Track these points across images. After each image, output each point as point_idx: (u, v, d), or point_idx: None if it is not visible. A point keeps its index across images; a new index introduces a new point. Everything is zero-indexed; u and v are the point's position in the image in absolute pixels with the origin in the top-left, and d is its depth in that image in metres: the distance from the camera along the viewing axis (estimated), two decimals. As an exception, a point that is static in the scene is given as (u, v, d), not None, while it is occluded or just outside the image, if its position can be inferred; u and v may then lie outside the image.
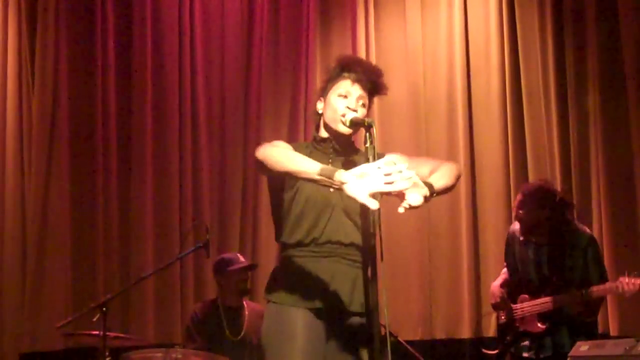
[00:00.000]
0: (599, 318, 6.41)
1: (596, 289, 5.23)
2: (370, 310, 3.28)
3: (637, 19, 6.76)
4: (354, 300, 3.38)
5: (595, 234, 6.51)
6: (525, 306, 5.54)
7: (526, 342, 5.52)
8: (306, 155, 3.48)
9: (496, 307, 5.79)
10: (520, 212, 5.53)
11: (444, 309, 7.44)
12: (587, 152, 6.88)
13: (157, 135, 7.66)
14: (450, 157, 7.47)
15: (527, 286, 5.58)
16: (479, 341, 6.62)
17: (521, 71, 7.30)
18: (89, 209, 7.31)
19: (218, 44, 8.04)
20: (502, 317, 5.73)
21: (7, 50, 7.31)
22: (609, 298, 6.46)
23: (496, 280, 5.87)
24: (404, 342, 5.97)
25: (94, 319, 5.48)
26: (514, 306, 5.61)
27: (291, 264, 3.45)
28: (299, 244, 3.43)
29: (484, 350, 6.00)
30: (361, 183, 2.98)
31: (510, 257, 5.72)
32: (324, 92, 3.60)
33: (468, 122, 7.53)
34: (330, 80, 3.59)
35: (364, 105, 3.53)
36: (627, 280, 5.12)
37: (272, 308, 3.46)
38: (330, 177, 3.06)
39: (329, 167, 3.14)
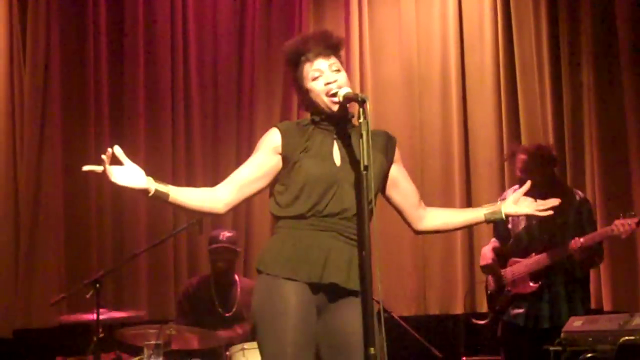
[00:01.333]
0: (592, 294, 6.45)
1: (590, 236, 5.21)
2: (365, 286, 3.25)
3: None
4: (351, 278, 3.35)
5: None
6: (516, 268, 5.49)
7: (521, 310, 5.46)
8: (309, 132, 3.50)
9: (486, 269, 5.70)
10: (523, 173, 5.45)
11: (437, 285, 7.46)
12: (580, 126, 6.88)
13: (150, 112, 7.65)
14: (444, 132, 7.50)
15: (517, 249, 5.54)
16: (472, 316, 6.62)
17: (515, 46, 7.29)
18: (81, 185, 7.29)
19: (210, 22, 8.01)
20: (491, 285, 5.70)
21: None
22: (602, 274, 6.48)
23: (486, 246, 5.81)
24: (397, 318, 5.97)
25: (88, 296, 5.49)
26: (503, 270, 5.57)
27: (288, 236, 3.40)
28: (300, 217, 3.38)
29: (474, 321, 5.99)
30: None
31: (501, 226, 5.67)
32: (299, 83, 3.54)
33: (462, 98, 7.52)
34: (296, 68, 3.54)
35: (337, 70, 3.49)
36: (621, 221, 5.10)
37: (265, 280, 3.39)
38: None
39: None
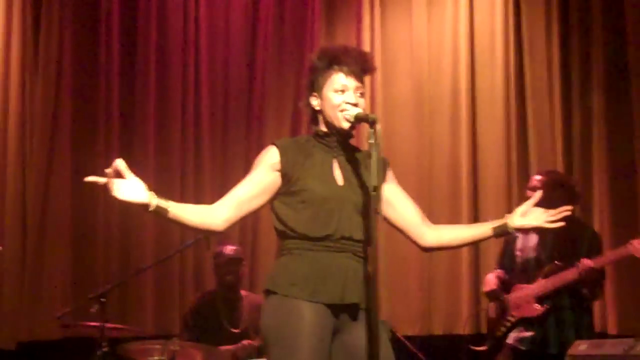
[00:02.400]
0: (597, 317, 6.44)
1: (600, 259, 5.20)
2: (370, 306, 3.23)
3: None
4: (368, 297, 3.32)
5: (597, 229, 6.52)
6: (521, 293, 5.45)
7: (527, 334, 5.42)
8: (309, 150, 3.49)
9: (490, 294, 5.68)
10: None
11: (442, 305, 7.43)
12: (589, 151, 6.88)
13: (160, 127, 7.66)
14: (453, 153, 7.48)
15: (523, 275, 5.51)
16: (476, 337, 6.59)
17: (525, 68, 7.29)
18: (90, 199, 7.29)
19: (222, 36, 8.02)
20: (493, 311, 5.66)
21: (10, 33, 7.31)
22: (607, 297, 6.46)
23: (490, 274, 5.80)
24: (402, 338, 5.95)
25: (93, 310, 5.48)
26: (506, 296, 5.54)
27: (302, 257, 3.36)
28: (312, 238, 3.36)
29: (472, 347, 5.94)
30: None
31: (506, 257, 5.66)
32: (316, 87, 3.51)
33: (471, 119, 7.51)
34: (320, 74, 3.50)
35: (362, 95, 3.47)
36: (637, 241, 5.07)
37: (277, 300, 3.34)
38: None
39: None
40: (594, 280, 5.26)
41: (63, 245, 7.19)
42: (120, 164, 3.19)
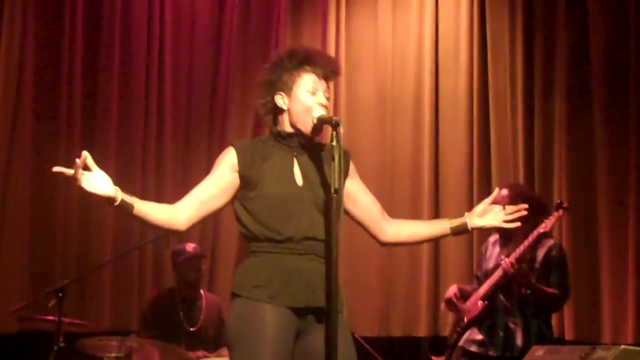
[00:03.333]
0: (555, 322, 6.47)
1: (519, 249, 5.24)
2: (329, 307, 3.22)
3: (605, 27, 6.80)
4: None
5: (555, 236, 6.55)
6: (472, 298, 5.48)
7: (478, 337, 5.44)
8: (268, 150, 3.48)
9: (447, 304, 5.68)
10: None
11: (401, 306, 7.45)
12: (550, 158, 6.92)
13: (122, 124, 7.60)
14: (415, 156, 7.51)
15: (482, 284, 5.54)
16: (435, 340, 6.62)
17: (489, 74, 7.33)
18: (49, 192, 7.24)
19: (187, 33, 7.99)
20: (451, 321, 5.71)
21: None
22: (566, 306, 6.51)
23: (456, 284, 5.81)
24: (360, 339, 5.96)
25: (50, 304, 5.45)
26: (462, 307, 5.56)
27: (266, 259, 3.36)
28: (274, 240, 3.36)
29: (433, 357, 5.96)
30: None
31: (482, 270, 5.66)
32: (281, 86, 3.49)
33: (434, 122, 7.54)
34: (288, 73, 3.48)
35: (328, 98, 3.50)
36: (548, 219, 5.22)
37: (242, 304, 3.33)
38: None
39: None
40: (525, 277, 5.25)
41: (21, 239, 7.13)
42: (87, 156, 3.16)
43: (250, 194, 3.41)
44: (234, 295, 3.39)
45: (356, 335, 5.85)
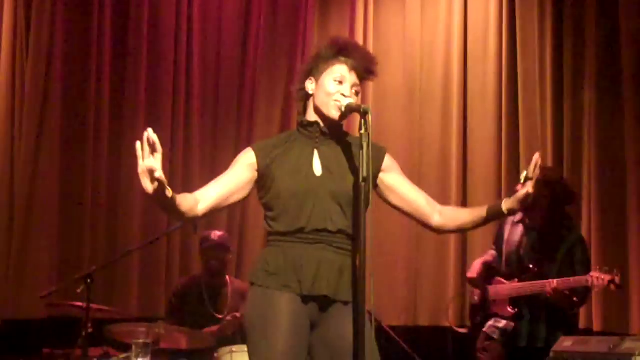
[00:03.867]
0: (582, 313, 6.44)
1: (564, 280, 5.17)
2: (357, 298, 3.26)
3: (637, 16, 6.74)
4: (340, 289, 3.37)
5: (584, 228, 6.53)
6: (499, 289, 5.49)
7: (502, 324, 5.46)
8: (289, 145, 3.52)
9: (472, 282, 5.70)
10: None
11: (428, 296, 7.44)
12: (580, 146, 6.87)
13: (150, 112, 7.66)
14: (444, 146, 7.48)
15: (506, 269, 5.54)
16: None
17: (518, 62, 7.27)
18: (78, 180, 7.32)
19: (215, 28, 8.04)
20: (475, 298, 5.69)
21: (2, 19, 7.27)
22: (593, 294, 6.46)
23: (479, 258, 5.83)
24: (387, 328, 5.97)
25: (78, 290, 5.49)
26: (488, 287, 5.57)
27: (278, 250, 3.42)
28: (286, 234, 3.41)
29: (454, 328, 5.98)
30: None
31: (500, 241, 5.68)
32: (315, 72, 3.54)
33: (463, 112, 7.51)
34: (323, 61, 3.53)
35: (357, 92, 3.51)
36: (597, 274, 5.05)
37: (257, 291, 3.41)
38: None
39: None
40: (560, 298, 5.24)
41: (50, 226, 7.19)
42: (153, 135, 3.17)
43: (268, 190, 3.47)
44: (251, 284, 3.47)
45: (383, 324, 5.87)
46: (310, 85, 3.54)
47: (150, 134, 3.14)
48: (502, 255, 5.62)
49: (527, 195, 3.41)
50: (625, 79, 6.69)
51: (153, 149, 3.15)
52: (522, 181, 3.46)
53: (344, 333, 3.31)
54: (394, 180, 3.62)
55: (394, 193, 3.61)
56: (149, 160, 3.12)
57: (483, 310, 5.61)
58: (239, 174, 3.51)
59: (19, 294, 7.05)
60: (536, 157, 3.49)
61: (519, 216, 5.54)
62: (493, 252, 5.77)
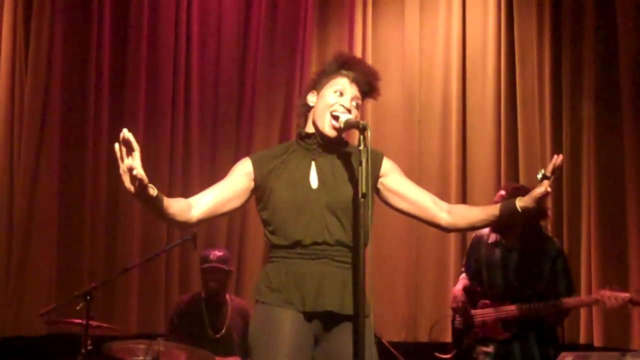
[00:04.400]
0: (582, 328, 6.44)
1: (572, 301, 5.18)
2: (357, 312, 3.23)
3: (635, 31, 6.76)
4: (345, 303, 3.34)
5: (584, 240, 6.56)
6: (487, 312, 5.43)
7: (489, 349, 5.41)
8: (285, 156, 3.52)
9: (457, 311, 5.64)
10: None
11: (429, 312, 7.42)
12: (579, 162, 6.88)
13: (149, 127, 7.64)
14: (443, 161, 7.48)
15: (491, 291, 5.47)
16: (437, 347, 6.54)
17: (517, 78, 7.28)
18: (77, 197, 7.30)
19: (214, 37, 8.02)
20: (458, 323, 5.65)
21: (1, 32, 7.28)
22: (594, 308, 6.45)
23: (457, 285, 5.73)
24: (387, 344, 5.95)
25: (78, 307, 5.48)
26: (473, 312, 5.50)
27: (280, 265, 3.41)
28: (286, 246, 3.40)
29: (437, 354, 5.94)
30: None
31: (473, 261, 5.62)
32: (317, 86, 3.55)
33: (462, 127, 7.51)
34: (326, 75, 3.55)
35: (357, 106, 3.51)
36: (608, 294, 5.04)
37: (260, 308, 3.40)
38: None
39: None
40: (559, 316, 5.26)
41: (49, 243, 7.17)
42: (128, 134, 3.13)
43: (265, 202, 3.47)
44: (256, 301, 3.45)
45: (383, 340, 5.85)
46: (311, 98, 3.56)
47: (125, 133, 3.11)
48: (483, 278, 5.56)
49: (545, 193, 3.37)
50: (624, 93, 6.70)
51: (130, 149, 3.11)
52: (539, 179, 3.42)
53: (346, 349, 3.27)
54: (396, 183, 3.60)
55: (397, 195, 3.59)
56: (128, 160, 3.08)
57: (469, 334, 5.56)
58: (235, 182, 3.51)
59: (18, 310, 7.03)
60: (558, 158, 3.43)
61: (493, 238, 5.50)
62: (464, 277, 5.74)
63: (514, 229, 5.38)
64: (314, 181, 3.45)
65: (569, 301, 5.17)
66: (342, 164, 3.49)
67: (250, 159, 3.55)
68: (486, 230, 5.53)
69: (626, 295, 5.03)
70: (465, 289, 5.62)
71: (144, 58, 7.69)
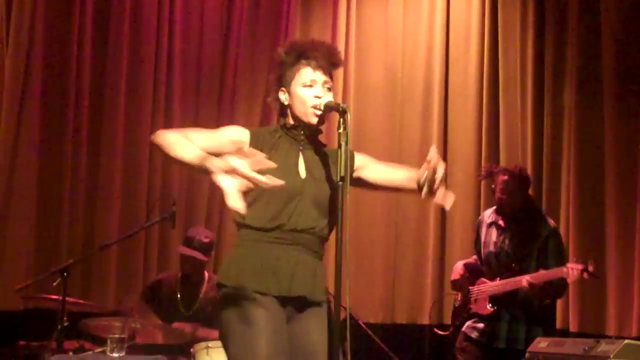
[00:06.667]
0: (559, 313, 6.47)
1: (542, 274, 5.23)
2: (337, 297, 3.22)
3: (618, 16, 6.76)
4: (316, 290, 3.36)
5: (562, 226, 6.56)
6: (481, 289, 5.56)
7: (480, 325, 5.53)
8: (274, 140, 3.49)
9: (455, 284, 5.77)
10: (503, 194, 5.50)
11: (406, 294, 7.46)
12: (559, 145, 6.90)
13: (130, 105, 7.60)
14: (424, 143, 7.48)
15: (487, 270, 5.60)
16: (437, 327, 6.60)
17: (500, 61, 7.30)
18: (56, 173, 7.26)
19: (197, 18, 7.98)
20: (458, 300, 5.75)
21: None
22: (571, 294, 6.48)
23: (461, 261, 5.87)
24: (363, 325, 5.96)
25: (55, 283, 5.46)
26: (470, 288, 5.63)
27: (253, 249, 3.37)
28: (263, 229, 3.36)
29: (436, 330, 6.08)
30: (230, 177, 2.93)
31: (479, 244, 5.74)
32: (283, 82, 3.52)
33: (443, 110, 7.53)
34: (288, 68, 3.51)
35: (329, 89, 3.48)
36: (571, 265, 5.11)
37: (231, 294, 3.32)
38: (204, 164, 3.00)
39: (206, 155, 3.06)
40: (536, 292, 5.28)
41: (28, 218, 7.14)
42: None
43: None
44: (221, 285, 3.38)
45: (360, 322, 5.87)
46: (283, 96, 3.53)
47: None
48: (482, 257, 5.66)
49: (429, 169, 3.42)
50: (606, 78, 6.71)
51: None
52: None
53: (315, 332, 3.32)
54: (372, 172, 3.60)
55: (377, 182, 3.59)
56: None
57: (464, 310, 5.64)
58: (223, 145, 3.33)
59: (-6, 285, 7.01)
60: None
61: (491, 218, 5.63)
62: (475, 257, 5.82)
63: (515, 210, 5.47)
64: (302, 171, 3.44)
65: (539, 274, 5.23)
66: (323, 162, 3.48)
67: (250, 131, 3.49)
68: (488, 211, 5.71)
69: (580, 266, 5.09)
70: (468, 265, 5.73)
71: (125, 42, 7.64)
